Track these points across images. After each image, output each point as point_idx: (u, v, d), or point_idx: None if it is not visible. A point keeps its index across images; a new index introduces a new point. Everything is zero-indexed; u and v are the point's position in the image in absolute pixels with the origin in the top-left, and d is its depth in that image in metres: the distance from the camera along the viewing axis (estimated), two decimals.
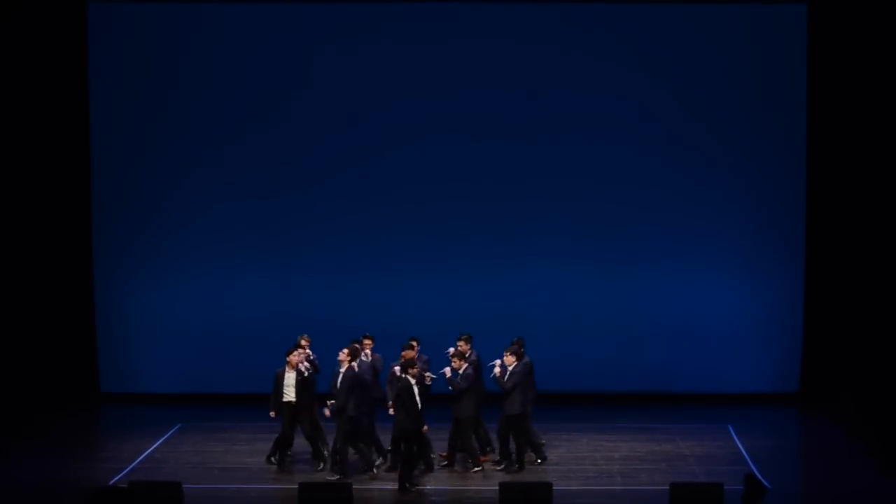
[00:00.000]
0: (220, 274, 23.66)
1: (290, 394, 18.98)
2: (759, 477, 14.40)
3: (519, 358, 18.98)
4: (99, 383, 23.84)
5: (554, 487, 16.52)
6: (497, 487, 16.43)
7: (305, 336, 19.63)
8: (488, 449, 19.35)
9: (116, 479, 18.44)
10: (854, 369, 22.80)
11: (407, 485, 18.01)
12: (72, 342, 23.66)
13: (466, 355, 19.07)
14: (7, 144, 22.89)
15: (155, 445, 20.37)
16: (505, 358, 18.85)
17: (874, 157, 22.77)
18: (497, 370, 18.79)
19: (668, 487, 16.09)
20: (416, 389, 18.10)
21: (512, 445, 18.98)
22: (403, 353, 18.79)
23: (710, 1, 23.57)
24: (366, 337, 19.56)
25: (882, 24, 22.49)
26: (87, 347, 23.80)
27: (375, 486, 18.35)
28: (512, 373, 18.80)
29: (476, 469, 18.82)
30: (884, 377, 22.14)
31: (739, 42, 23.36)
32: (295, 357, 19.06)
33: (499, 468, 18.92)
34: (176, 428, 21.48)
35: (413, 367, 18.22)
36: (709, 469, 19.04)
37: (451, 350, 19.16)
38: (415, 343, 19.23)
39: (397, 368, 18.83)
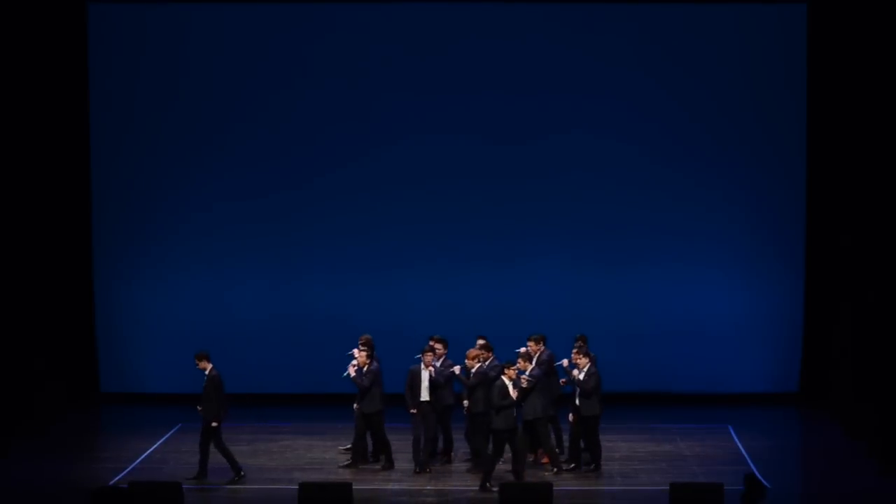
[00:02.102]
0: (221, 274, 23.66)
1: (424, 394, 18.99)
2: (759, 477, 14.40)
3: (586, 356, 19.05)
4: (99, 383, 23.84)
5: (554, 487, 16.54)
6: (497, 487, 16.43)
7: (365, 336, 19.54)
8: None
9: (116, 479, 18.45)
10: (854, 369, 22.78)
11: (487, 484, 17.92)
12: (72, 342, 23.66)
13: (537, 356, 19.00)
14: (7, 144, 22.88)
15: (155, 445, 20.37)
16: (579, 360, 18.80)
17: (874, 157, 22.75)
18: (575, 372, 18.78)
19: (668, 487, 16.10)
20: (511, 390, 18.05)
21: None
22: (469, 353, 18.82)
23: (710, 1, 23.56)
24: (436, 340, 19.42)
25: (882, 24, 22.47)
26: (87, 347, 23.80)
27: (376, 486, 18.36)
28: (590, 373, 18.81)
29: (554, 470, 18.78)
30: (884, 377, 22.12)
31: (739, 42, 23.36)
32: (428, 357, 18.98)
33: (568, 468, 18.92)
34: (176, 428, 21.47)
35: (511, 368, 18.17)
36: (709, 469, 19.05)
37: (523, 350, 19.10)
38: (482, 341, 19.25)
39: (457, 368, 18.90)
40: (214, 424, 18.42)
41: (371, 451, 19.44)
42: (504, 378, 18.05)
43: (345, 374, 19.04)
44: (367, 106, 23.53)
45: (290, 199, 23.64)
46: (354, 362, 19.08)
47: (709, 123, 23.46)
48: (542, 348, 19.31)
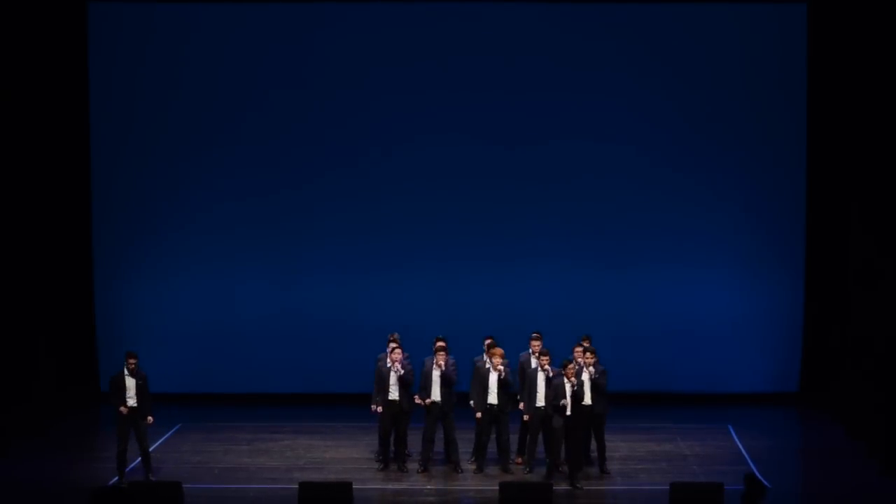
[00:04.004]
0: (221, 274, 23.66)
1: (394, 392, 18.94)
2: (759, 477, 14.41)
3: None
4: (99, 383, 23.84)
5: (554, 487, 16.55)
6: (497, 487, 16.43)
7: (394, 334, 19.51)
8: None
9: (116, 479, 18.44)
10: (854, 369, 22.78)
11: (577, 485, 18.16)
12: (72, 342, 23.65)
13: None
14: (7, 144, 22.88)
15: (155, 445, 20.34)
16: (587, 360, 18.84)
17: (874, 157, 22.76)
18: (593, 369, 18.83)
19: (668, 487, 16.11)
20: (568, 390, 18.18)
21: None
22: (498, 351, 18.86)
23: (709, 1, 23.56)
24: (439, 339, 19.38)
25: (882, 24, 22.47)
26: (87, 347, 23.80)
27: (376, 486, 18.36)
28: (601, 371, 18.89)
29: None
30: (884, 377, 22.12)
31: (739, 42, 23.36)
32: (396, 355, 18.94)
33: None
34: (176, 428, 21.48)
35: (570, 368, 18.27)
36: (709, 469, 19.06)
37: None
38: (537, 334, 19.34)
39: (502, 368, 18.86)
40: (151, 419, 18.54)
41: (395, 451, 19.27)
42: (564, 378, 18.23)
43: (395, 372, 18.92)
44: (368, 107, 23.54)
45: (291, 199, 23.64)
46: (396, 364, 18.98)
47: (709, 124, 23.46)
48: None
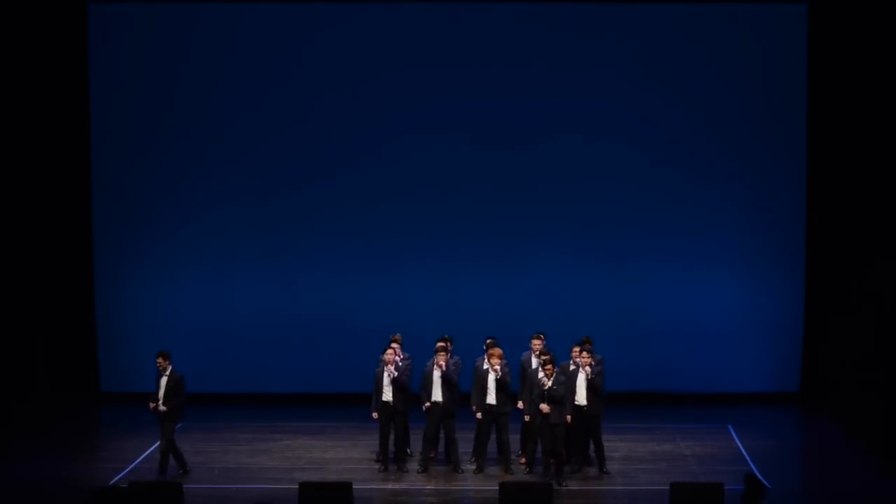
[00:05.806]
0: (221, 274, 23.66)
1: (387, 393, 18.94)
2: (760, 477, 14.40)
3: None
4: (99, 383, 23.85)
5: (554, 487, 16.54)
6: (497, 487, 16.44)
7: (397, 335, 19.50)
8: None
9: (116, 479, 18.47)
10: (854, 369, 22.78)
11: (562, 483, 18.18)
12: (72, 342, 23.66)
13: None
14: (7, 144, 22.89)
15: (155, 445, 20.33)
16: (584, 359, 18.85)
17: (874, 157, 22.76)
18: (589, 369, 18.81)
19: (668, 487, 16.10)
20: (548, 384, 18.29)
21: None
22: (497, 352, 18.83)
23: (709, 1, 23.57)
24: (443, 339, 19.36)
25: (882, 24, 22.48)
26: (87, 347, 23.80)
27: (376, 486, 18.36)
28: (597, 371, 18.88)
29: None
30: (884, 377, 22.13)
31: (739, 42, 23.36)
32: (388, 356, 18.94)
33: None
34: (176, 427, 21.45)
35: (549, 368, 18.34)
36: (709, 469, 19.06)
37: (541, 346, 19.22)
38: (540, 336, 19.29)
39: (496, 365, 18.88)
40: (153, 405, 18.63)
41: (395, 451, 19.29)
42: (544, 375, 18.30)
43: (387, 374, 18.91)
44: (367, 107, 23.53)
45: (291, 199, 23.64)
46: (389, 366, 18.96)
47: (709, 124, 23.46)
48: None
